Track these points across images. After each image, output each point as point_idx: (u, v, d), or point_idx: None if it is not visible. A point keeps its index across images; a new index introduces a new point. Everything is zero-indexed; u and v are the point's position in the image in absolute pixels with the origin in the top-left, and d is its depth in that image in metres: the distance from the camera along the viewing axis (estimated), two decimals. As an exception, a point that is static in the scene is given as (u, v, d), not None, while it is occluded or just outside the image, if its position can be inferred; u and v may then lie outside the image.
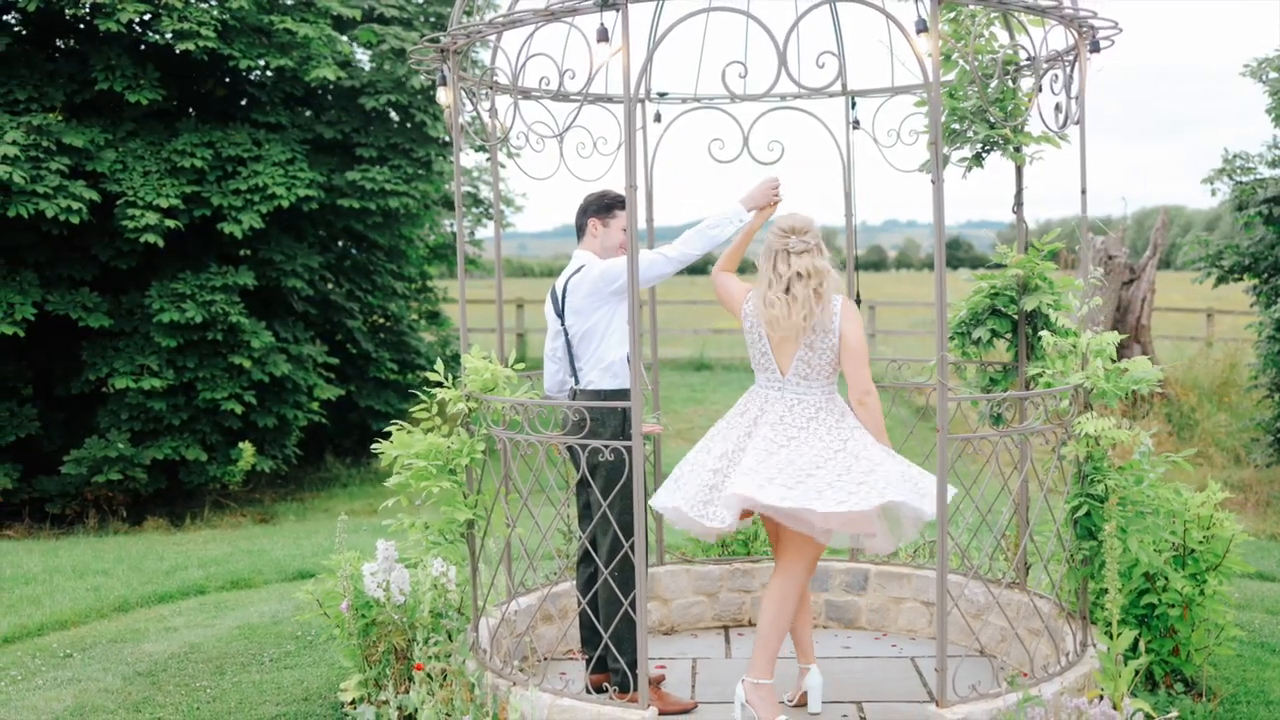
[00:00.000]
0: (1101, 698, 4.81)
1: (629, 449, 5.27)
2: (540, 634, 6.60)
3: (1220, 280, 16.18)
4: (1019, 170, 6.37)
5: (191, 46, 14.40)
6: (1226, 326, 23.32)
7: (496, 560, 6.20)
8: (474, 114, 6.35)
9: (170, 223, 14.47)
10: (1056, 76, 5.83)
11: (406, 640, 5.80)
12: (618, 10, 4.99)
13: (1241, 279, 16.15)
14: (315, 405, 16.97)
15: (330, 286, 18.14)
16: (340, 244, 18.61)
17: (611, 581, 5.52)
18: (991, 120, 6.14)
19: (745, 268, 6.20)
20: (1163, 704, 5.57)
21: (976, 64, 5.99)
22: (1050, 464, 5.77)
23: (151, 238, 14.34)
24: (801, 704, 5.80)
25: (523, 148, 6.15)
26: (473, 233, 23.97)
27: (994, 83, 6.12)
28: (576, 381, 5.85)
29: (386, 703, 5.63)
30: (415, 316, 20.15)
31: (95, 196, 14.17)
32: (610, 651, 5.60)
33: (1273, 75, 14.91)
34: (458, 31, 5.80)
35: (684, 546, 7.74)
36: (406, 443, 5.84)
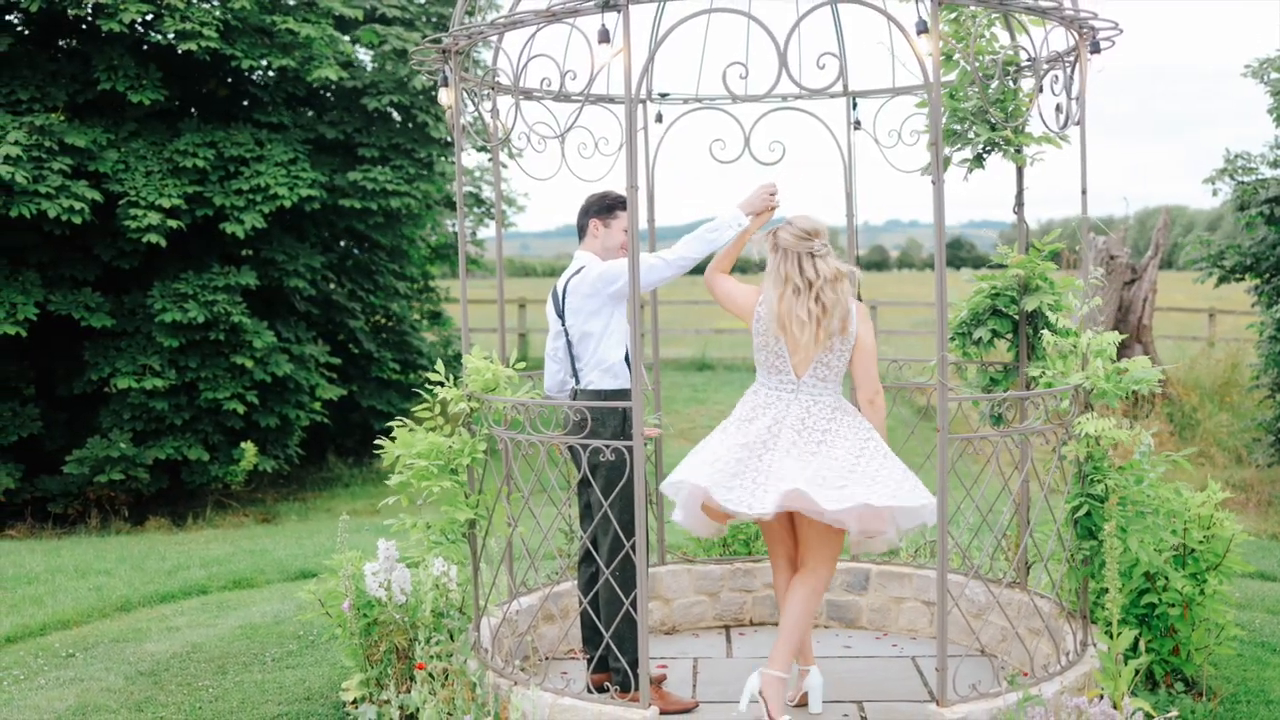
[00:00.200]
0: (1102, 697, 4.81)
1: (630, 449, 5.28)
2: (542, 633, 6.61)
3: (1222, 280, 16.17)
4: (1020, 171, 6.38)
5: (194, 47, 14.41)
6: (1228, 326, 23.32)
7: (498, 560, 6.22)
8: (475, 114, 6.36)
9: (172, 223, 14.48)
10: (1057, 77, 5.84)
11: (408, 640, 5.81)
12: (619, 11, 5.00)
13: (1243, 279, 16.14)
14: (317, 405, 16.99)
15: (332, 286, 18.16)
16: (342, 244, 18.63)
17: (613, 581, 5.53)
18: (992, 121, 6.14)
19: (746, 268, 6.21)
20: (1163, 703, 5.58)
21: (977, 65, 6.00)
22: (1051, 464, 5.77)
23: (154, 238, 14.36)
24: (802, 704, 5.81)
25: (524, 148, 6.16)
26: (474, 233, 23.99)
27: (995, 83, 6.13)
28: (577, 382, 5.86)
29: (388, 702, 5.64)
30: (417, 316, 20.17)
31: (97, 196, 14.19)
32: (611, 651, 5.61)
33: (1274, 76, 14.91)
34: (459, 32, 5.81)
35: (685, 546, 7.75)
36: (408, 442, 5.85)
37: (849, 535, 5.61)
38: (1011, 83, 6.23)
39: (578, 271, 5.84)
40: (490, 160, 12.85)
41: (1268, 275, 15.69)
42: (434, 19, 17.99)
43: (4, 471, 14.39)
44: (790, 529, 5.70)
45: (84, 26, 15.23)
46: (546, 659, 6.44)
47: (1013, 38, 6.21)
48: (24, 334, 14.13)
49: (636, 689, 5.41)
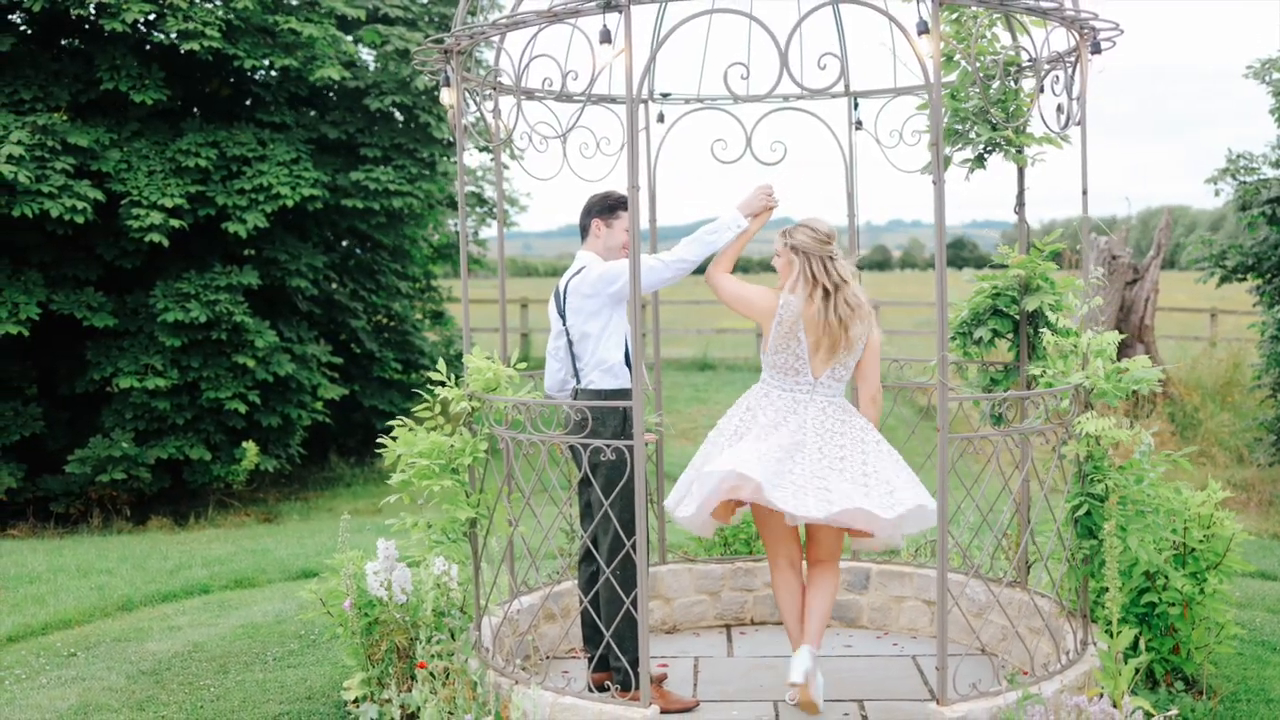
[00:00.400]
0: (1102, 696, 4.82)
1: (630, 448, 5.30)
2: (542, 633, 6.62)
3: (1224, 280, 16.17)
4: (1020, 171, 6.39)
5: (196, 46, 14.43)
6: (1230, 326, 23.31)
7: (499, 559, 6.22)
8: (478, 115, 6.37)
9: (175, 222, 14.49)
10: (1058, 77, 5.85)
11: (409, 639, 5.82)
12: (620, 12, 5.01)
13: (1245, 279, 16.13)
14: (319, 405, 17.00)
15: (334, 286, 18.18)
16: (344, 244, 18.64)
17: (613, 580, 5.54)
18: (993, 121, 6.15)
19: (747, 268, 6.22)
20: (1163, 702, 5.59)
21: (978, 65, 6.00)
22: (1051, 463, 5.78)
23: (156, 237, 14.37)
24: (803, 705, 5.80)
25: (526, 148, 6.18)
26: (477, 232, 24.00)
27: (996, 84, 6.13)
28: (578, 381, 5.88)
29: (389, 701, 5.65)
30: (419, 316, 20.18)
31: (100, 196, 14.20)
32: (612, 650, 5.62)
33: (1275, 76, 14.90)
34: (461, 32, 5.82)
35: (686, 546, 7.76)
36: (410, 441, 5.86)
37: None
38: (1012, 83, 6.23)
39: (579, 271, 5.85)
40: (492, 160, 12.87)
41: (1269, 275, 15.69)
42: (436, 19, 18.00)
43: (6, 471, 14.40)
44: (795, 532, 5.77)
45: (86, 26, 15.25)
46: (547, 658, 6.45)
47: (1014, 38, 6.22)
48: (26, 333, 14.15)
49: (637, 688, 5.42)
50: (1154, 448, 5.95)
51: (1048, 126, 5.84)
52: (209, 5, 15.11)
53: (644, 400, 5.39)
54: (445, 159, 17.52)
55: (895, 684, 6.20)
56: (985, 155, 6.35)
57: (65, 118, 14.83)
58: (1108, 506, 5.57)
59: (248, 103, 16.65)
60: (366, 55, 17.87)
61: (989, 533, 6.80)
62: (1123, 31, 5.76)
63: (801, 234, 5.67)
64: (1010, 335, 6.40)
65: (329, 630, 7.11)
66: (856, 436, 5.62)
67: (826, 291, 5.57)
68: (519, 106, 5.80)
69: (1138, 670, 5.19)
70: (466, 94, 6.20)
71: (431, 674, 5.46)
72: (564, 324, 5.88)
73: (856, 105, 7.27)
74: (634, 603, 5.34)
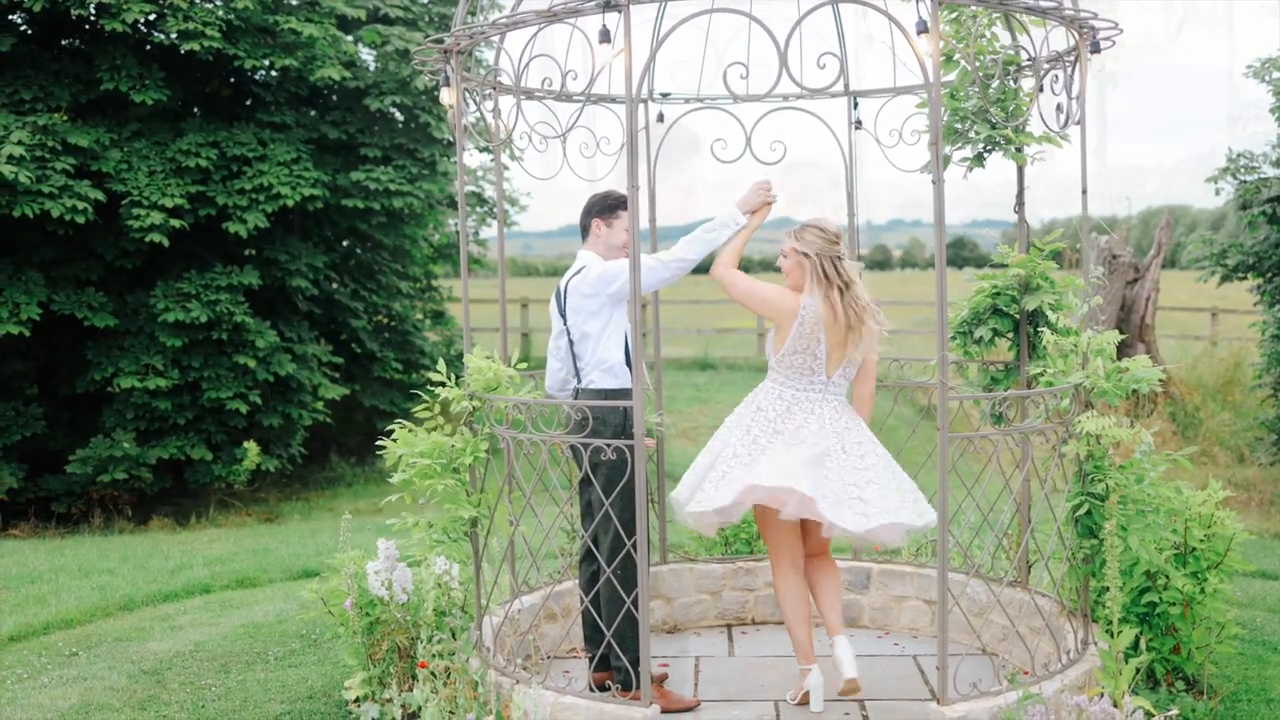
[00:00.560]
0: (1102, 695, 4.82)
1: (630, 448, 5.30)
2: (543, 632, 6.62)
3: (1224, 279, 16.17)
4: (1020, 170, 6.39)
5: (197, 46, 14.43)
6: (1231, 325, 23.30)
7: (500, 559, 6.23)
8: (477, 114, 6.37)
9: (175, 222, 14.50)
10: (1057, 77, 5.85)
11: (410, 638, 5.82)
12: (620, 11, 5.01)
13: (1246, 278, 16.13)
14: (320, 405, 17.01)
15: (335, 286, 18.18)
16: (345, 244, 18.64)
17: (614, 580, 5.54)
18: (993, 120, 6.15)
19: (747, 267, 6.23)
20: (1164, 702, 5.59)
21: (977, 64, 6.01)
22: (1051, 463, 5.78)
23: (156, 237, 14.38)
24: (804, 703, 5.82)
25: (526, 148, 6.18)
26: (477, 232, 23.99)
27: (995, 83, 6.13)
28: (579, 381, 5.88)
29: (390, 701, 5.65)
30: (420, 316, 20.17)
31: (100, 196, 14.21)
32: (613, 650, 5.62)
33: (1276, 76, 14.90)
34: (461, 32, 5.83)
35: (686, 545, 7.76)
36: (410, 441, 5.86)
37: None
38: (1012, 82, 6.24)
39: (579, 271, 5.86)
40: (492, 160, 12.87)
41: (1270, 274, 15.68)
42: (436, 19, 18.00)
43: (7, 471, 14.41)
44: (799, 532, 5.87)
45: (87, 26, 15.25)
46: (548, 658, 6.45)
47: (1013, 37, 6.22)
48: (27, 334, 14.15)
49: (638, 687, 5.42)
50: (1154, 447, 5.95)
51: (1047, 126, 5.84)
52: (209, 5, 15.11)
53: (645, 400, 5.39)
54: (445, 159, 17.52)
55: (896, 684, 6.20)
56: (985, 154, 6.35)
57: (66, 118, 14.83)
58: (1108, 506, 5.57)
59: (248, 103, 16.65)
60: (366, 55, 17.87)
61: (990, 532, 6.81)
62: (1122, 31, 5.76)
63: (811, 234, 5.74)
64: (1010, 334, 6.40)
65: (330, 630, 7.12)
66: (868, 437, 5.76)
67: (840, 290, 5.66)
68: (519, 106, 5.80)
69: (1138, 670, 5.19)
70: (466, 94, 6.20)
71: (433, 673, 5.46)
72: (565, 324, 5.88)
73: (856, 105, 7.26)
74: (635, 602, 5.34)
